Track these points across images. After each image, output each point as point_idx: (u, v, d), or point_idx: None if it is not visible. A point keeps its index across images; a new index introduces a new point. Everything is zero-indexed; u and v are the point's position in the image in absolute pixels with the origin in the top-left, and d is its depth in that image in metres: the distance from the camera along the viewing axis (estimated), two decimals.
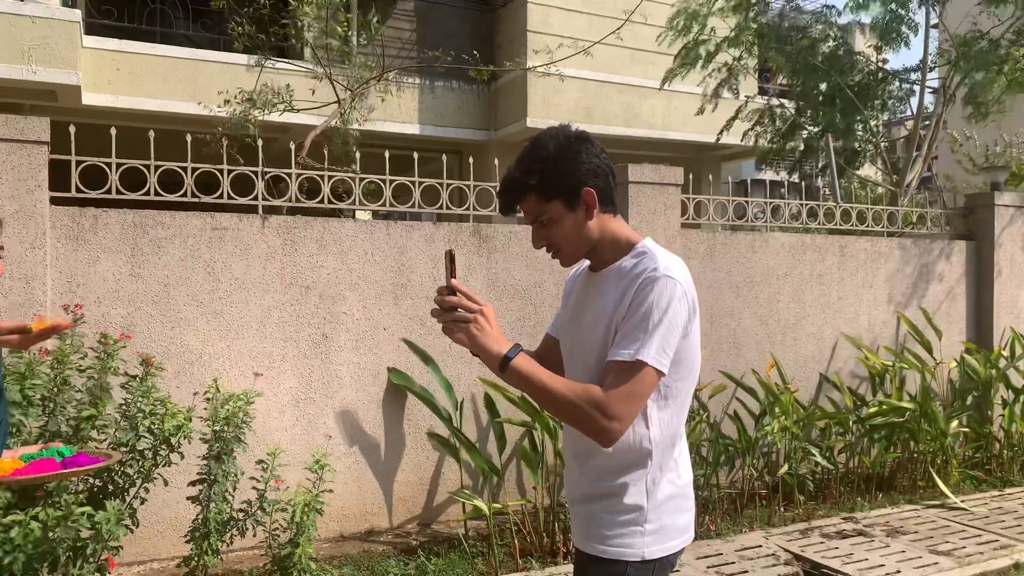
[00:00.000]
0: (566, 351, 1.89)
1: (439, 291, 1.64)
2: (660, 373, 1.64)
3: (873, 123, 7.96)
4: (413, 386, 4.57)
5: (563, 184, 1.71)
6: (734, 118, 8.61)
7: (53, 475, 1.95)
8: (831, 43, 7.84)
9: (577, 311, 1.86)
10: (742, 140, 9.05)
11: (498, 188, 1.81)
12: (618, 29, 6.76)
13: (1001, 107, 7.65)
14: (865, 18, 8.01)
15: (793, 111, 8.48)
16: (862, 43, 9.12)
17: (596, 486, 1.78)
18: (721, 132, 8.74)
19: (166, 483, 3.56)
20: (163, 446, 3.48)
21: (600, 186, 1.73)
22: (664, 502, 1.74)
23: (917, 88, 8.03)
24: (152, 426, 3.46)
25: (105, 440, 3.45)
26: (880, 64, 8.17)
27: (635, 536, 1.72)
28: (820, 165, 9.04)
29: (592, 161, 1.73)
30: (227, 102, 5.46)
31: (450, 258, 1.64)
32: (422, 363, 4.63)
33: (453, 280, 1.62)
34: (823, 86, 7.62)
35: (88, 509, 3.12)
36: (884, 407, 5.33)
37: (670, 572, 1.80)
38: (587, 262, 1.88)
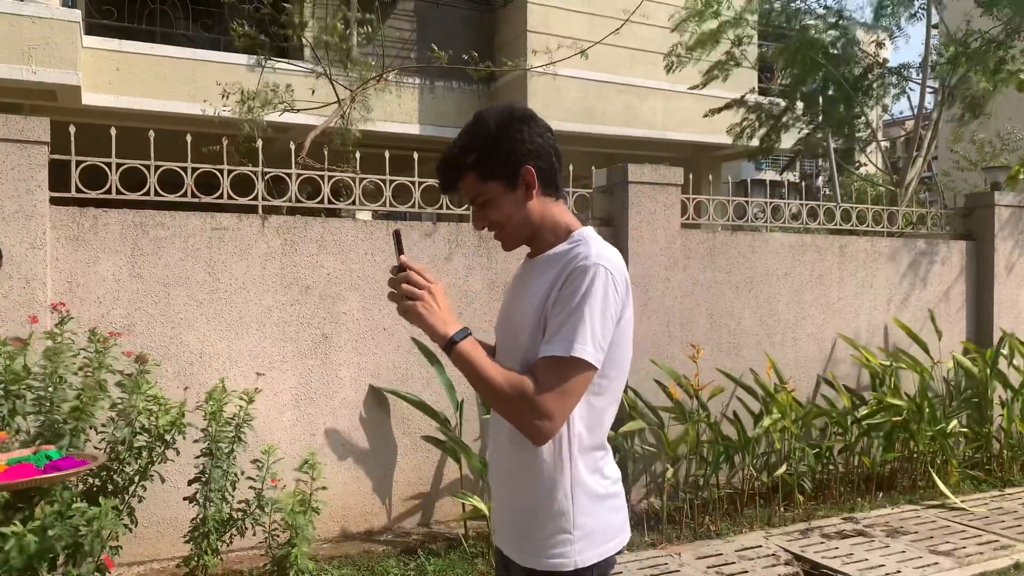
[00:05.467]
0: (499, 340, 1.80)
1: (391, 271, 1.60)
2: (594, 368, 1.56)
3: (870, 114, 7.94)
4: (403, 394, 4.55)
5: (502, 163, 1.65)
6: (729, 107, 8.53)
7: (29, 480, 1.85)
8: (833, 31, 7.80)
9: (510, 299, 1.79)
10: (728, 131, 8.93)
11: (437, 165, 1.72)
12: (618, 29, 6.76)
13: (990, 107, 7.63)
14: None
15: (789, 108, 8.43)
16: (863, 38, 9.10)
17: (518, 489, 1.68)
18: (714, 112, 8.60)
19: (163, 480, 3.56)
20: (158, 443, 3.48)
21: (542, 167, 1.67)
22: (591, 504, 1.64)
23: (915, 85, 8.04)
24: (147, 423, 3.45)
25: (101, 438, 3.44)
26: (878, 61, 8.16)
27: (565, 545, 1.62)
28: (819, 165, 9.02)
29: (535, 141, 1.66)
30: (226, 95, 5.45)
31: (396, 237, 1.61)
32: (421, 365, 4.63)
33: (402, 257, 1.58)
34: (820, 77, 7.60)
35: (84, 505, 3.12)
36: (880, 406, 5.33)
37: (610, 573, 1.71)
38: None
